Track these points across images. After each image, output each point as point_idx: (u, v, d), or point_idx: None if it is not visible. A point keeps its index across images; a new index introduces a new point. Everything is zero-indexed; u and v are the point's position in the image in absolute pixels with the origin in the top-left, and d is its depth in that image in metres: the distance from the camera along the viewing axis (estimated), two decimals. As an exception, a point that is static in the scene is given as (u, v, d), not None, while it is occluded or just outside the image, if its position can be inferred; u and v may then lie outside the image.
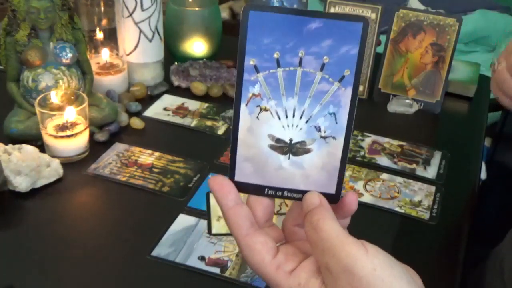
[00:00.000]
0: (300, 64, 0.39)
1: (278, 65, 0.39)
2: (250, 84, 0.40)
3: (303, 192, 0.41)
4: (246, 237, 0.40)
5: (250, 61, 0.39)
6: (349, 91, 0.39)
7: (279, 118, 0.40)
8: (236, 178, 0.42)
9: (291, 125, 0.40)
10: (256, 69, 0.39)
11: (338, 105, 0.40)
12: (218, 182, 0.41)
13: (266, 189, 0.42)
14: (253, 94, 0.40)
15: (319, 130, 0.40)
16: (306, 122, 0.40)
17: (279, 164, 0.41)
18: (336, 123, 0.40)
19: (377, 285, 0.37)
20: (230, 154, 0.42)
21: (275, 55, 0.39)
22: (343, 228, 0.39)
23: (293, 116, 0.40)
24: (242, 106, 0.41)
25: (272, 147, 0.41)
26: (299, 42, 0.38)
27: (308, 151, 0.41)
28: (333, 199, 0.41)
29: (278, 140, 0.41)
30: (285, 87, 0.40)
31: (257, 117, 0.40)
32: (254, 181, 0.42)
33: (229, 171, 0.42)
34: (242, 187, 0.42)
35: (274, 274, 0.39)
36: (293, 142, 0.41)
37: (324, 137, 0.40)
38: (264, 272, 0.40)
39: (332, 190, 0.41)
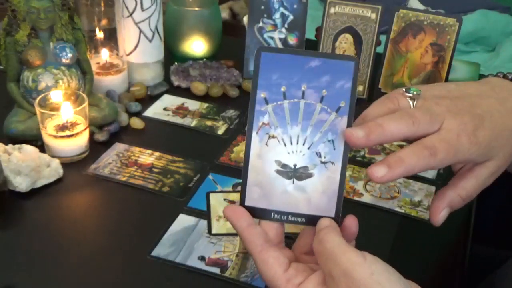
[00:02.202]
0: (303, 96, 0.45)
1: (285, 98, 0.45)
2: (261, 114, 0.45)
3: (306, 216, 0.46)
4: (260, 253, 0.44)
5: (261, 94, 0.45)
6: (345, 120, 0.45)
7: (285, 145, 0.45)
8: (246, 203, 0.46)
9: (295, 151, 0.45)
10: (266, 101, 0.45)
11: (335, 132, 0.45)
12: (231, 209, 0.46)
13: (272, 213, 0.46)
14: (263, 123, 0.45)
15: (320, 156, 0.45)
16: (309, 148, 0.45)
17: (284, 188, 0.46)
18: (334, 149, 0.45)
19: None
20: (242, 180, 0.46)
21: (282, 89, 0.45)
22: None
23: (297, 142, 0.45)
24: (254, 134, 0.45)
25: (278, 172, 0.46)
26: (302, 78, 0.44)
27: (310, 175, 0.45)
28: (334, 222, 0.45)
29: (284, 166, 0.45)
30: (290, 117, 0.45)
31: (266, 144, 0.45)
32: (261, 205, 0.46)
33: (240, 196, 0.46)
34: (252, 212, 0.46)
35: (284, 286, 0.43)
36: (297, 167, 0.45)
37: (324, 162, 0.45)
38: (276, 284, 0.44)
39: (331, 213, 0.46)
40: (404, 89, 0.49)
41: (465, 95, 0.49)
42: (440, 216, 0.53)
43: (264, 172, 0.45)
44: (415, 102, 0.48)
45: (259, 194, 0.46)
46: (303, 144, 0.45)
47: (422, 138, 0.47)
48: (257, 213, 0.46)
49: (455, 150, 0.47)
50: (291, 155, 0.45)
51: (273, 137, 0.45)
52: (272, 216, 0.46)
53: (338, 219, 0.46)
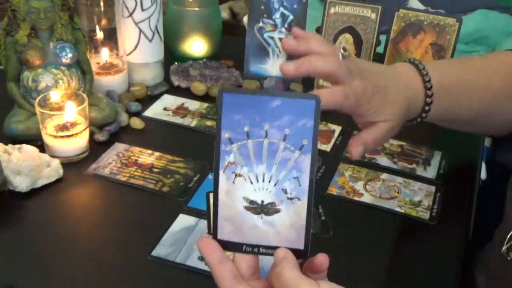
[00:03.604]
0: (266, 135, 0.45)
1: (248, 137, 0.46)
2: (226, 153, 0.46)
3: (275, 248, 0.47)
4: None
5: (225, 134, 0.46)
6: (308, 158, 0.45)
7: (251, 182, 0.46)
8: (218, 237, 0.48)
9: (262, 188, 0.46)
10: (230, 141, 0.46)
11: (300, 170, 0.46)
12: (204, 242, 0.47)
13: (244, 246, 0.47)
14: (229, 162, 0.46)
15: (286, 192, 0.46)
16: (275, 185, 0.46)
17: (253, 223, 0.47)
18: (300, 185, 0.46)
19: None
20: (213, 215, 0.47)
21: (246, 129, 0.45)
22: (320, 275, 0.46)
23: (263, 180, 0.46)
24: (221, 172, 0.46)
25: (247, 208, 0.47)
26: (264, 117, 0.45)
27: (277, 211, 0.46)
28: (302, 254, 0.47)
29: (252, 202, 0.46)
30: (255, 156, 0.46)
31: (233, 182, 0.46)
32: (233, 239, 0.47)
33: (212, 230, 0.48)
34: (224, 245, 0.47)
35: None
36: (264, 203, 0.46)
37: (291, 198, 0.46)
38: None
39: (300, 246, 0.47)
40: (342, 48, 0.62)
41: (375, 72, 0.65)
42: (356, 150, 0.65)
43: (234, 208, 0.47)
44: (343, 58, 0.62)
45: (229, 229, 0.47)
46: (269, 182, 0.46)
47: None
48: (229, 247, 0.48)
49: (358, 103, 0.62)
50: (258, 192, 0.46)
51: (240, 175, 0.46)
52: (244, 249, 0.47)
53: (307, 251, 0.47)
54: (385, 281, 0.67)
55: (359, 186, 0.81)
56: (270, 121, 0.45)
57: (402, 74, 0.69)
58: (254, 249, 0.47)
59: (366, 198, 0.79)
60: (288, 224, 0.46)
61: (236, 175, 0.46)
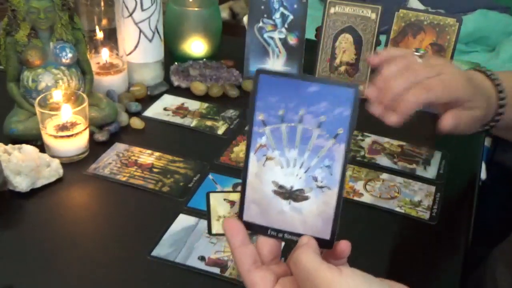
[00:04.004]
0: (300, 121, 0.45)
1: (282, 121, 0.45)
2: (259, 135, 0.45)
3: (301, 236, 0.46)
4: (248, 273, 0.45)
5: (259, 116, 0.45)
6: (342, 147, 0.44)
7: (282, 167, 0.45)
8: (244, 218, 0.47)
9: (292, 174, 0.45)
10: (264, 123, 0.45)
11: (333, 158, 0.45)
12: (229, 223, 0.47)
13: (269, 230, 0.47)
14: (261, 145, 0.45)
15: (316, 180, 0.45)
16: (305, 172, 0.45)
17: (281, 208, 0.46)
18: (331, 175, 0.45)
19: None
20: (240, 196, 0.47)
21: (280, 112, 0.45)
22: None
23: (294, 166, 0.45)
24: (251, 153, 0.46)
25: (275, 192, 0.46)
26: (300, 102, 0.44)
27: (306, 198, 0.46)
28: (328, 244, 0.46)
29: (281, 187, 0.46)
30: (287, 140, 0.45)
31: (263, 165, 0.46)
32: (259, 221, 0.47)
33: (238, 210, 0.47)
34: (249, 227, 0.47)
35: None
36: (293, 189, 0.46)
37: (321, 187, 0.45)
38: None
39: (326, 236, 0.46)
40: (415, 50, 0.69)
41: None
42: (448, 122, 0.69)
43: (262, 191, 0.46)
44: (421, 58, 0.68)
45: (256, 212, 0.47)
46: (300, 168, 0.45)
47: None
48: (254, 229, 0.47)
49: (450, 88, 0.66)
50: (288, 177, 0.46)
51: (271, 158, 0.46)
52: (268, 233, 0.47)
53: (333, 241, 0.46)
54: (385, 281, 0.67)
55: (359, 186, 0.81)
56: (306, 107, 0.44)
57: (477, 77, 0.74)
58: (279, 234, 0.47)
59: (366, 198, 0.79)
60: (316, 212, 0.46)
61: (267, 158, 0.46)
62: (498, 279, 0.75)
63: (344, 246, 0.45)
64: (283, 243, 0.48)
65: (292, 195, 0.46)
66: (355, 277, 0.42)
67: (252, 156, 0.46)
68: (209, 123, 0.95)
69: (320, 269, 0.42)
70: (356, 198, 0.79)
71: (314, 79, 0.44)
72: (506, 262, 0.76)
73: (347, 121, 0.44)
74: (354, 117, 0.44)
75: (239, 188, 0.79)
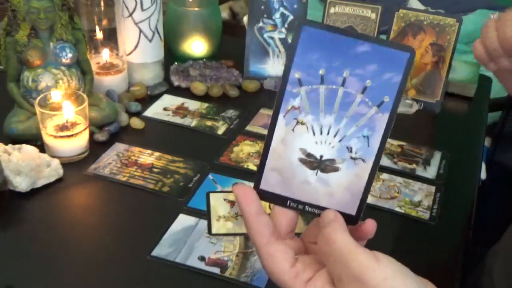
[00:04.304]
0: (343, 84, 0.40)
1: (322, 82, 0.40)
2: (292, 96, 0.41)
3: (323, 209, 0.42)
4: (266, 245, 0.41)
5: (295, 74, 0.40)
6: (385, 117, 0.40)
7: (314, 134, 0.41)
8: (262, 186, 0.43)
9: (324, 142, 0.41)
10: (300, 83, 0.40)
11: (373, 129, 0.41)
12: (242, 190, 0.42)
13: (288, 201, 0.43)
14: (293, 107, 0.41)
15: (351, 151, 0.41)
16: (340, 141, 0.41)
17: (305, 178, 0.42)
18: (368, 146, 0.41)
19: None
20: (260, 162, 0.42)
21: (320, 72, 0.40)
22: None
23: (328, 133, 0.41)
24: (280, 116, 0.41)
25: (302, 160, 0.42)
26: (345, 62, 0.39)
27: (336, 169, 0.42)
28: (353, 220, 0.42)
29: (309, 155, 0.42)
30: (325, 104, 0.41)
31: (293, 130, 0.41)
32: (278, 191, 0.43)
33: (255, 178, 0.43)
34: (266, 196, 0.43)
35: (292, 282, 0.40)
36: (323, 158, 0.42)
37: (354, 158, 0.41)
38: (283, 280, 0.41)
39: (353, 211, 0.42)
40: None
41: None
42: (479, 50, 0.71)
43: (286, 158, 0.42)
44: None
45: (277, 180, 0.42)
46: (334, 136, 0.41)
47: None
48: (271, 199, 0.43)
49: None
50: (318, 146, 0.41)
51: (302, 123, 0.41)
52: (288, 204, 0.43)
53: (359, 218, 0.42)
54: (385, 281, 0.67)
55: (359, 186, 0.81)
56: (352, 68, 0.39)
57: None
58: (299, 206, 0.43)
59: (366, 198, 0.79)
60: (345, 185, 0.42)
61: (297, 122, 0.41)
62: (495, 280, 0.75)
63: (370, 227, 0.42)
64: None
65: (321, 165, 0.42)
66: (392, 266, 0.39)
67: (281, 119, 0.41)
68: (209, 123, 0.95)
69: (356, 253, 0.38)
70: (356, 198, 0.79)
71: (366, 37, 0.40)
72: (500, 263, 0.76)
73: (395, 88, 0.40)
74: (404, 85, 0.40)
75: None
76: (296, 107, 0.41)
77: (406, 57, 0.39)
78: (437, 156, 0.89)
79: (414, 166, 0.86)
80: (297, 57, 0.40)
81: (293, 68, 0.40)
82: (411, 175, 0.84)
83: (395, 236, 0.73)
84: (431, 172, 0.85)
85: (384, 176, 0.84)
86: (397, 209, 0.77)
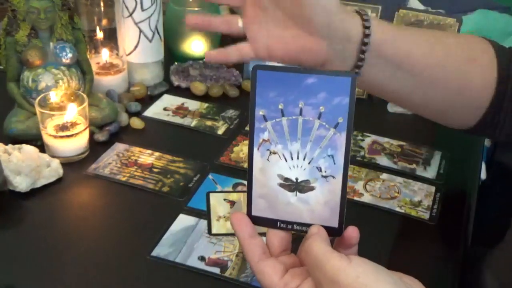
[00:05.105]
0: (300, 113, 0.45)
1: (283, 115, 0.46)
2: (261, 131, 0.46)
3: (310, 226, 0.46)
4: (258, 263, 0.45)
5: (260, 112, 0.46)
6: (343, 136, 0.45)
7: (286, 160, 0.46)
8: (253, 213, 0.48)
9: (296, 166, 0.46)
10: (265, 118, 0.46)
11: (335, 148, 0.45)
12: (237, 217, 0.47)
13: (278, 223, 0.47)
14: (263, 140, 0.46)
15: (320, 170, 0.46)
16: (309, 163, 0.46)
17: (287, 200, 0.47)
18: (334, 163, 0.45)
19: None
20: (247, 192, 0.48)
21: (280, 106, 0.45)
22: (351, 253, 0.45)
23: (298, 158, 0.46)
24: (255, 149, 0.47)
25: (281, 185, 0.47)
26: (298, 95, 0.45)
27: (312, 188, 0.46)
28: (336, 232, 0.46)
29: (286, 179, 0.47)
30: (289, 133, 0.46)
31: (268, 159, 0.46)
32: (268, 215, 0.48)
33: (247, 207, 0.48)
34: (258, 221, 0.48)
35: None
36: (299, 180, 0.46)
37: (325, 176, 0.46)
38: None
39: (335, 223, 0.46)
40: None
41: None
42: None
43: (268, 185, 0.47)
44: None
45: (264, 206, 0.47)
46: (304, 159, 0.46)
47: None
48: (264, 223, 0.48)
49: None
50: (292, 170, 0.46)
51: (274, 153, 0.46)
52: (278, 225, 0.47)
53: (341, 229, 0.46)
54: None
55: (359, 186, 0.81)
56: (305, 99, 0.45)
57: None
58: (288, 226, 0.47)
59: (366, 198, 0.79)
60: (323, 201, 0.46)
61: (270, 153, 0.46)
62: (493, 280, 0.75)
63: (351, 232, 0.45)
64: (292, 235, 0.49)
65: (298, 186, 0.46)
66: (364, 265, 0.42)
67: (256, 152, 0.47)
68: (209, 123, 0.95)
69: (330, 257, 0.42)
70: (356, 198, 0.79)
71: (311, 70, 0.45)
72: (491, 273, 0.76)
73: (346, 109, 0.44)
74: (353, 105, 0.44)
75: (239, 188, 0.80)
76: (266, 140, 0.46)
77: (348, 81, 0.44)
78: (437, 156, 0.89)
79: (414, 166, 0.86)
80: (258, 97, 0.46)
81: (257, 107, 0.46)
82: (411, 175, 0.84)
83: (395, 236, 0.73)
84: (431, 172, 0.85)
85: (384, 176, 0.84)
86: (397, 209, 0.77)
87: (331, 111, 0.45)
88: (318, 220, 0.46)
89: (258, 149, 0.46)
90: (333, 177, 0.46)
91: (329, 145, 0.45)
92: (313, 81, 0.45)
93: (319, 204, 0.46)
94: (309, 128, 0.45)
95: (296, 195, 0.47)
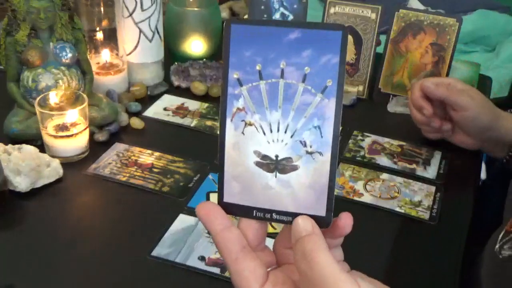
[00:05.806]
0: (282, 75, 0.38)
1: (261, 78, 0.38)
2: (234, 98, 0.39)
3: (293, 215, 0.39)
4: (235, 262, 0.38)
5: (233, 74, 0.38)
6: (332, 102, 0.38)
7: (264, 133, 0.39)
8: (225, 199, 0.40)
9: (276, 140, 0.39)
10: (240, 83, 0.39)
11: (322, 117, 0.38)
12: (204, 208, 0.39)
13: (254, 211, 0.40)
14: (238, 108, 0.39)
15: (305, 145, 0.38)
16: (291, 136, 0.39)
17: (266, 182, 0.39)
18: (322, 137, 0.38)
19: None
20: (218, 173, 0.40)
21: (257, 67, 0.38)
22: (336, 250, 0.40)
23: (278, 130, 0.39)
24: (228, 121, 0.39)
25: (258, 164, 0.39)
26: (279, 53, 0.38)
27: (295, 168, 0.39)
28: (324, 222, 0.39)
29: (264, 157, 0.39)
30: (268, 100, 0.39)
31: (242, 132, 0.39)
32: (242, 202, 0.40)
33: (218, 192, 0.41)
34: (231, 209, 0.40)
35: None
36: (279, 158, 0.39)
37: (311, 153, 0.38)
38: None
39: (322, 212, 0.39)
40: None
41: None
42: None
43: (243, 164, 0.39)
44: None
45: (238, 190, 0.40)
46: (285, 132, 0.38)
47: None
48: (238, 211, 0.40)
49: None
50: (271, 145, 0.39)
51: (250, 124, 0.39)
52: (254, 214, 0.40)
53: (330, 219, 0.39)
54: (385, 281, 0.66)
55: (359, 186, 0.81)
56: (287, 58, 0.38)
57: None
58: (266, 215, 0.39)
59: (366, 198, 0.79)
60: (307, 184, 0.38)
61: (246, 124, 0.39)
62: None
63: (345, 220, 0.39)
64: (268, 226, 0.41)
65: (278, 165, 0.39)
66: None
67: (229, 124, 0.39)
68: (209, 123, 0.95)
69: (340, 279, 0.36)
70: (356, 198, 0.79)
71: (294, 23, 0.39)
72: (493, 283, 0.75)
73: (335, 70, 0.37)
74: (343, 65, 0.37)
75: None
76: (241, 108, 0.39)
77: (339, 35, 0.37)
78: (437, 156, 0.89)
79: (414, 166, 0.86)
80: (232, 57, 0.38)
81: (230, 68, 0.38)
82: (411, 175, 0.84)
83: (395, 236, 0.73)
84: (431, 172, 0.85)
85: (384, 176, 0.84)
86: (397, 209, 0.77)
87: (318, 72, 0.37)
88: (302, 208, 0.39)
89: (231, 120, 0.39)
90: (320, 153, 0.38)
91: (315, 114, 0.38)
92: (297, 36, 0.37)
93: (303, 187, 0.39)
94: (292, 94, 0.38)
95: (276, 176, 0.39)
